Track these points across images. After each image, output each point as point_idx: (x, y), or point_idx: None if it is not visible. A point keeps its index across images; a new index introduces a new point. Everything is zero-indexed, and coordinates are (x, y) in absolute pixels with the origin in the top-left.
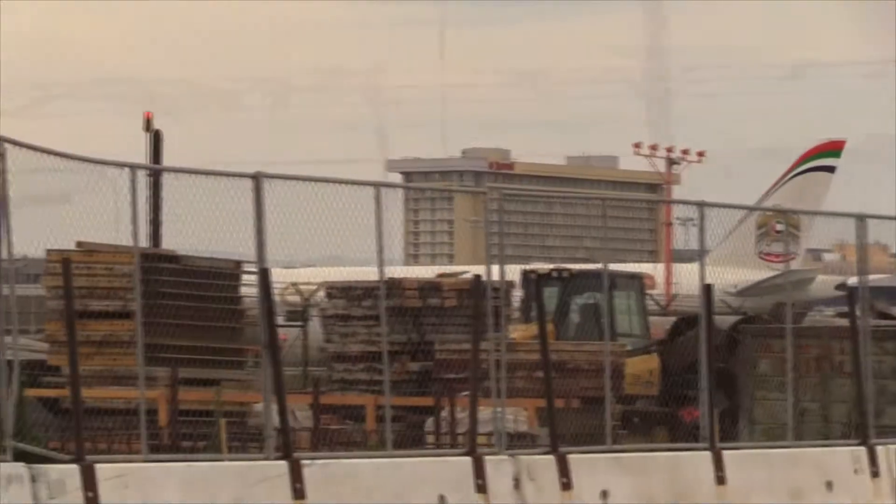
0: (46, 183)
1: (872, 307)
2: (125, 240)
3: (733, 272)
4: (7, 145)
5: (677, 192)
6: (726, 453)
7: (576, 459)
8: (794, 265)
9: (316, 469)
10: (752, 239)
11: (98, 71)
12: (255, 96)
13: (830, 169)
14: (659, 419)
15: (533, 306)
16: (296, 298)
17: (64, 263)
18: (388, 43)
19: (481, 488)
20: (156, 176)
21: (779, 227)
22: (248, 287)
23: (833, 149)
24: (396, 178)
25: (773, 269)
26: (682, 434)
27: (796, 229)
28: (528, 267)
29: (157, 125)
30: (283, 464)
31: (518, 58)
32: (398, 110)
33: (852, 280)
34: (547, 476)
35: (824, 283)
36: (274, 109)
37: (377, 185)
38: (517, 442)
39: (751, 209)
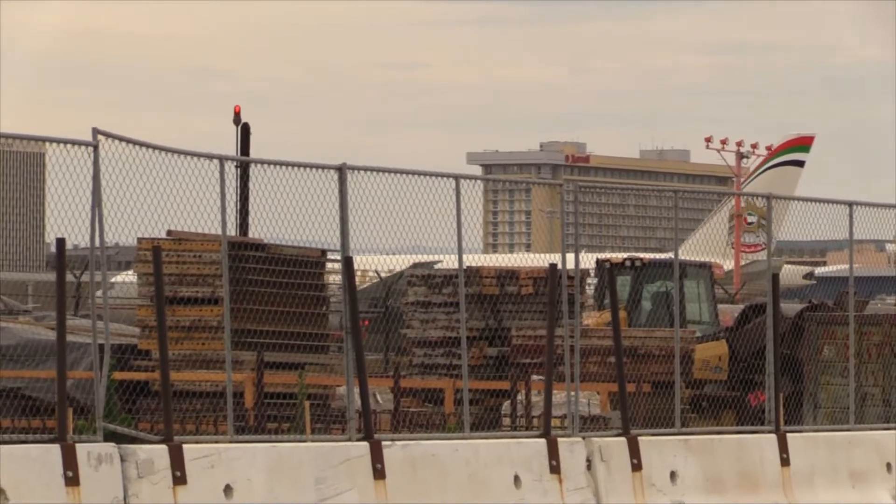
0: (138, 173)
1: None
2: (213, 229)
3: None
4: (101, 137)
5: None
6: (790, 436)
7: (646, 441)
8: (763, 255)
9: (396, 450)
10: (725, 229)
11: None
12: (337, 91)
13: (800, 163)
14: (726, 403)
15: (606, 294)
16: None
17: (155, 251)
18: (467, 40)
19: (555, 469)
20: (244, 167)
21: (749, 218)
22: (332, 274)
23: (803, 144)
24: (476, 170)
25: (743, 259)
26: (748, 417)
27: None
28: (602, 256)
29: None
30: (365, 445)
31: (592, 55)
32: (478, 105)
33: (819, 270)
34: (618, 457)
35: (792, 273)
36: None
37: (458, 178)
38: (590, 424)
39: (818, 201)
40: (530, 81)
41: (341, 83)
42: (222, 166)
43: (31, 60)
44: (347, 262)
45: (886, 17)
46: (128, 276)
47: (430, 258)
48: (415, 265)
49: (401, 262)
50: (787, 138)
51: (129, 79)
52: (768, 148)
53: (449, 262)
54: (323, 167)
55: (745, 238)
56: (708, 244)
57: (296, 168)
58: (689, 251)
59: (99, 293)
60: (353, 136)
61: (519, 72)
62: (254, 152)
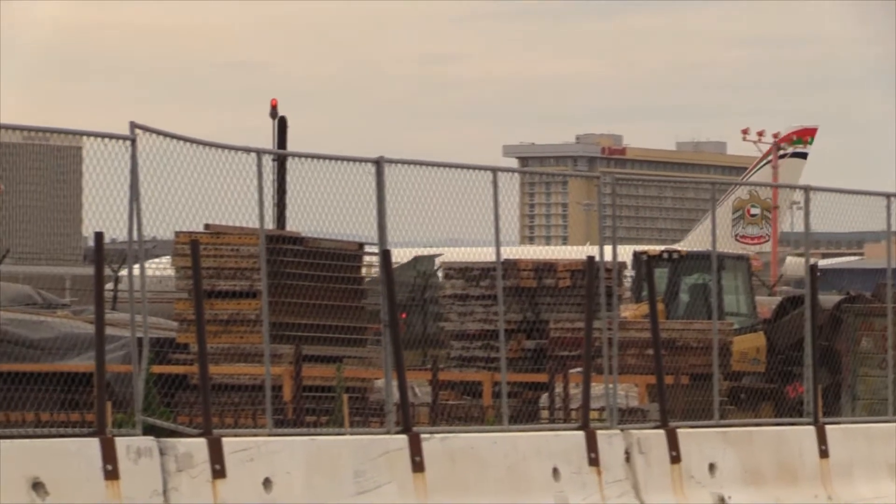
0: (175, 167)
1: None
2: (251, 222)
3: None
4: (138, 131)
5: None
6: (829, 427)
7: (685, 434)
8: (768, 247)
9: (435, 443)
10: (729, 221)
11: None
12: (374, 84)
13: (803, 155)
14: (765, 395)
15: (644, 286)
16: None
17: (193, 245)
18: (503, 33)
19: (593, 461)
20: (281, 161)
21: (753, 210)
22: (370, 268)
23: (806, 136)
24: (513, 163)
25: (748, 252)
26: (786, 409)
27: (770, 213)
28: (639, 248)
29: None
30: (403, 438)
31: (628, 48)
32: (514, 98)
33: (823, 262)
34: (657, 450)
35: (795, 265)
36: (393, 97)
37: (494, 170)
38: (628, 417)
39: (856, 193)
40: (566, 74)
41: (378, 77)
42: (260, 160)
43: (62, 54)
44: (385, 255)
45: None
46: (156, 267)
47: (433, 251)
48: (416, 258)
49: (403, 255)
50: (789, 130)
51: (162, 72)
52: (775, 135)
53: (486, 254)
54: (360, 160)
55: (748, 230)
56: (709, 236)
57: (333, 161)
58: (692, 243)
59: (137, 286)
60: (390, 130)
61: (554, 65)
62: (290, 146)
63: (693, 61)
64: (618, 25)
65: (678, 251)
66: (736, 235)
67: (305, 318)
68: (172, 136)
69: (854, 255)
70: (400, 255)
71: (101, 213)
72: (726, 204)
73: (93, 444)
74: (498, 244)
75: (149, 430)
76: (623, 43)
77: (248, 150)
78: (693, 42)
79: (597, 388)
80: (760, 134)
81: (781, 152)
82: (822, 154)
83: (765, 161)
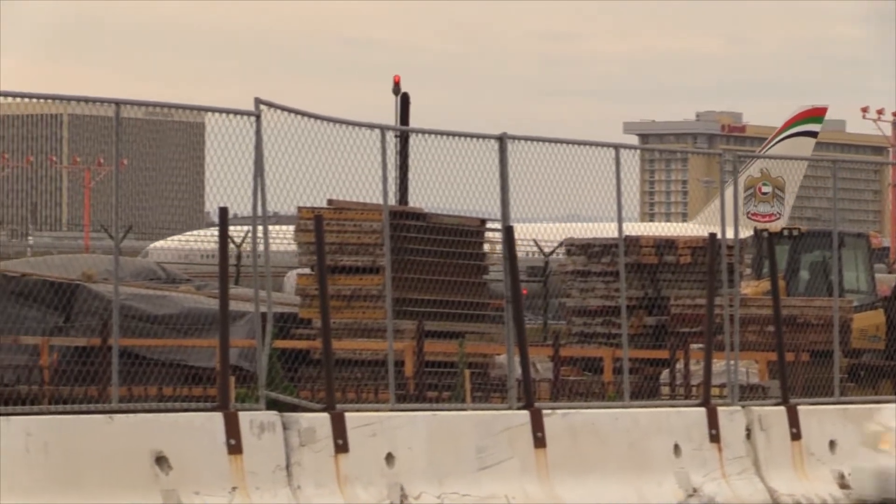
0: (298, 143)
1: None
2: (373, 198)
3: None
4: (263, 107)
5: None
6: None
7: (805, 411)
8: (780, 224)
9: (556, 419)
10: (741, 199)
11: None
12: (496, 61)
13: (813, 134)
14: (884, 372)
15: (764, 263)
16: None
17: (316, 220)
18: (623, 10)
19: (714, 438)
20: (404, 137)
21: (764, 188)
22: (492, 244)
23: (816, 115)
24: (633, 139)
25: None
26: None
27: (781, 191)
28: (760, 225)
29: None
30: (525, 413)
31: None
32: (634, 75)
33: None
34: (777, 426)
35: None
36: (515, 73)
37: (617, 147)
38: (749, 393)
39: None
40: (686, 52)
41: (500, 53)
42: (383, 136)
43: (197, 32)
44: (508, 232)
45: None
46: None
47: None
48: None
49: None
50: (800, 109)
51: (287, 48)
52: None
53: (608, 230)
54: (483, 137)
55: (759, 208)
56: (718, 215)
57: (456, 138)
58: (705, 221)
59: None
60: (512, 106)
61: (674, 42)
62: (412, 122)
63: (813, 38)
64: (741, 3)
65: (799, 228)
66: (748, 213)
67: (427, 293)
68: (297, 112)
69: None
70: (522, 232)
71: (224, 189)
72: (738, 181)
73: (216, 419)
74: (620, 220)
75: (271, 405)
76: (744, 20)
77: (371, 126)
78: (814, 19)
79: (717, 365)
80: (880, 112)
81: (791, 131)
82: None
83: (777, 139)
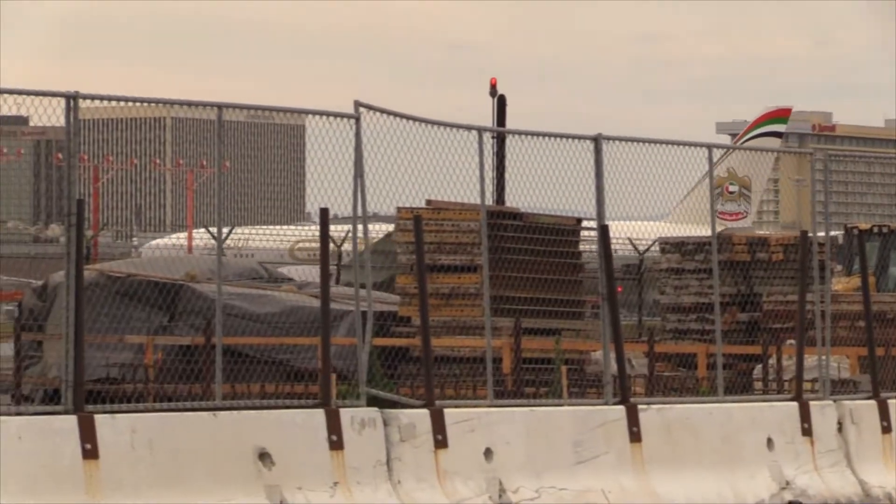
0: (398, 145)
1: None
2: (471, 198)
3: (693, 229)
4: (362, 109)
5: None
6: None
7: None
8: (746, 223)
9: (652, 413)
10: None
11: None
12: (590, 63)
13: (779, 135)
14: None
15: (855, 260)
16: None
17: (416, 220)
18: (714, 13)
19: (807, 431)
20: (501, 138)
21: (731, 188)
22: (588, 243)
23: (781, 116)
24: (725, 139)
25: (727, 227)
26: None
27: (747, 190)
28: (850, 223)
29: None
30: (621, 408)
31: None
32: (725, 76)
33: None
34: (868, 420)
35: None
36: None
37: (710, 147)
38: (840, 388)
39: None
40: (775, 53)
41: (594, 55)
42: (481, 137)
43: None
44: (603, 231)
45: None
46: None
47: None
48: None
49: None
50: (766, 110)
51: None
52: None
53: (700, 229)
54: (579, 137)
55: (725, 206)
56: (693, 212)
57: (551, 138)
58: (677, 220)
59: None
60: (605, 108)
61: (764, 44)
62: (509, 124)
63: None
64: (828, 4)
65: (888, 226)
66: (717, 212)
67: (524, 291)
68: (396, 115)
69: None
70: (617, 230)
71: (325, 190)
72: (707, 180)
73: (318, 416)
74: (713, 219)
75: (372, 402)
76: (832, 22)
77: (469, 128)
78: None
79: (809, 360)
80: None
81: (757, 132)
82: None
83: (743, 140)
